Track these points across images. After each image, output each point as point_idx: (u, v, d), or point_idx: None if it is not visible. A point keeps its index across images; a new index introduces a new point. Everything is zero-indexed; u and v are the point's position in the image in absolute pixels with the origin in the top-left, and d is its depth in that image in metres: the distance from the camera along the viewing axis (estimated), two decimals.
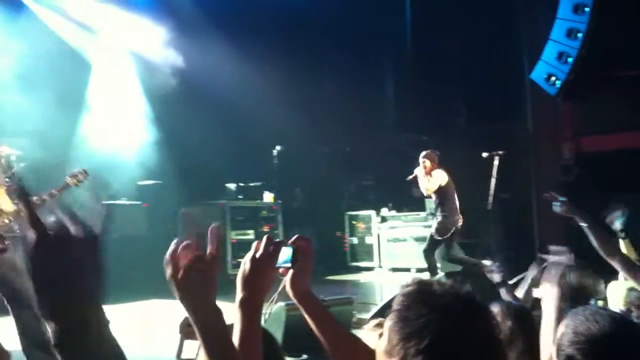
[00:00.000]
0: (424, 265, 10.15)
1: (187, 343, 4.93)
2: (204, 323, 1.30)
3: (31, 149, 7.49)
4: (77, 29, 10.54)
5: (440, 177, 8.42)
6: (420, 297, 1.26)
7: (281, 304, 5.21)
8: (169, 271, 1.31)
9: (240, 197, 10.86)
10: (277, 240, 1.54)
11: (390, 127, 12.88)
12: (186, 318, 2.43)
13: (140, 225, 10.04)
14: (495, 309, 2.50)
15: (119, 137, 10.13)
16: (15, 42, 9.40)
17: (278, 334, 4.88)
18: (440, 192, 8.46)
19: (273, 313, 5.25)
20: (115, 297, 7.71)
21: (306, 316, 1.72)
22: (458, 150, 10.02)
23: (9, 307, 4.66)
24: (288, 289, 1.71)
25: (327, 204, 11.95)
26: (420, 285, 1.29)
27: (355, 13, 11.54)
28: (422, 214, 11.35)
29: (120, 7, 10.79)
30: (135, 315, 7.44)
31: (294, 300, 1.72)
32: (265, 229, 10.33)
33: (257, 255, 1.48)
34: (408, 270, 10.70)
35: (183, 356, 5.05)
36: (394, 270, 11.13)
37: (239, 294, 1.45)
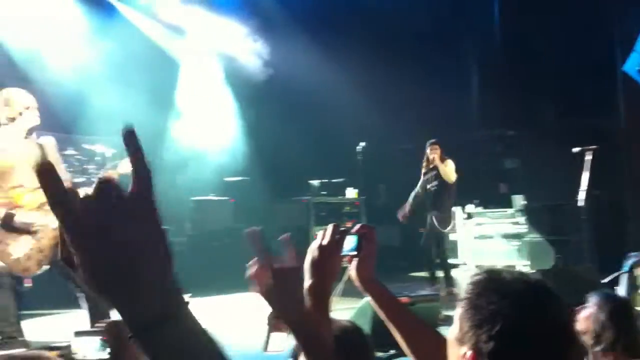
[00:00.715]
0: (512, 262, 9.95)
1: (274, 335, 5.01)
2: (299, 327, 1.39)
3: (122, 147, 7.81)
4: (166, 30, 10.89)
5: (453, 167, 8.61)
6: (490, 285, 1.27)
7: (367, 298, 5.24)
8: (254, 289, 1.39)
9: (324, 193, 10.95)
10: (342, 228, 1.57)
11: (475, 122, 12.68)
12: (272, 311, 2.49)
13: (228, 219, 10.30)
14: (592, 299, 2.45)
15: (206, 134, 10.40)
16: (108, 44, 9.83)
17: (365, 329, 4.92)
18: (453, 183, 8.61)
19: (360, 308, 5.26)
20: (204, 290, 7.96)
21: (373, 304, 1.76)
22: (546, 145, 9.75)
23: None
24: (354, 276, 1.75)
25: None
26: (490, 273, 1.30)
27: (439, 7, 11.40)
28: (510, 211, 11.11)
29: (207, 9, 11.09)
30: (223, 308, 7.63)
31: (360, 288, 1.76)
32: (348, 224, 10.32)
33: (324, 243, 1.52)
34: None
35: (270, 348, 5.14)
36: (480, 267, 10.93)
37: (308, 281, 1.49)
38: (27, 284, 4.82)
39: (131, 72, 9.75)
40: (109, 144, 9.95)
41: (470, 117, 12.75)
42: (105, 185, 0.76)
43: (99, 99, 9.46)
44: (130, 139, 0.78)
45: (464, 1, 11.83)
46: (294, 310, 1.39)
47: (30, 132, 4.54)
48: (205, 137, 10.33)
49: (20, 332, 4.54)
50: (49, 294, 6.14)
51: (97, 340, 1.84)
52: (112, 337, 1.65)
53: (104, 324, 1.67)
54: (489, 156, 12.58)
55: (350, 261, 1.71)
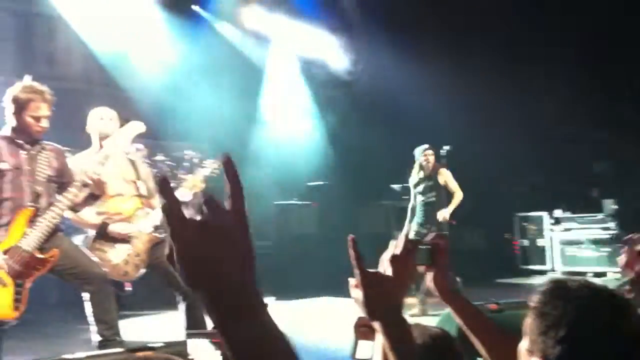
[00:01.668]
0: (603, 269, 9.59)
1: (362, 343, 5.00)
2: (393, 333, 1.43)
3: (211, 153, 8.00)
4: (251, 37, 11.09)
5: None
6: (555, 292, 1.29)
7: None
8: (354, 295, 1.45)
9: (405, 197, 10.86)
10: (415, 239, 1.58)
11: (561, 124, 12.30)
12: (360, 318, 2.49)
13: (311, 224, 10.37)
14: None
15: (290, 139, 10.51)
16: (195, 52, 10.09)
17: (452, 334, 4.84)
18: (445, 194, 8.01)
19: (445, 314, 5.20)
20: (288, 294, 8.04)
21: (454, 314, 1.76)
22: (630, 144, 9.38)
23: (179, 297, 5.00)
24: (432, 288, 1.76)
25: (496, 205, 11.62)
26: (555, 282, 1.32)
27: (519, 10, 11.13)
28: (599, 216, 10.74)
29: (291, 15, 11.23)
30: (308, 313, 7.68)
31: (440, 299, 1.77)
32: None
33: (396, 253, 1.51)
34: (584, 274, 10.16)
35: (358, 355, 5.14)
36: (569, 274, 10.61)
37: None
38: (128, 287, 5.00)
39: (217, 79, 9.98)
40: (197, 149, 10.24)
41: (556, 119, 12.38)
42: (209, 203, 0.93)
43: (186, 105, 9.72)
44: (228, 165, 0.94)
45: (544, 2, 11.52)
46: (389, 316, 1.42)
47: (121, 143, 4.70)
48: (289, 142, 10.45)
49: (118, 334, 4.70)
50: (144, 296, 6.37)
51: (208, 342, 1.88)
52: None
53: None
54: (576, 159, 12.21)
55: (426, 271, 1.72)
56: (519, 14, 10.89)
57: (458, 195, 7.96)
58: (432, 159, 7.93)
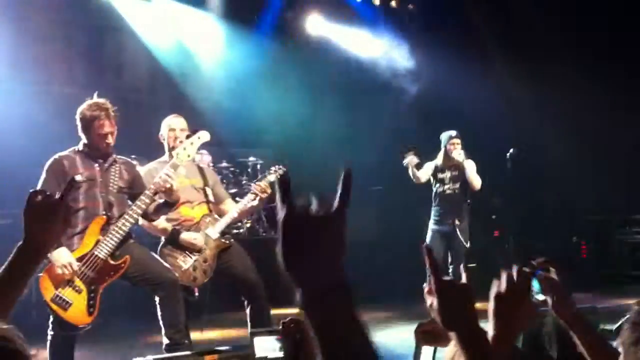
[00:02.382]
0: None
1: (425, 349, 4.95)
2: (467, 344, 1.39)
3: (274, 159, 8.10)
4: (313, 44, 11.20)
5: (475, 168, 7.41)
6: None
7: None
8: (428, 303, 1.44)
9: (468, 202, 10.76)
10: (526, 270, 1.48)
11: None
12: (421, 324, 2.50)
13: (372, 230, 10.37)
14: None
15: (350, 145, 10.52)
16: (259, 61, 10.24)
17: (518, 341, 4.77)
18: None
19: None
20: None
21: (575, 339, 1.71)
22: None
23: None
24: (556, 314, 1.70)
25: (563, 208, 11.37)
26: None
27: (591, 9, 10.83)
28: None
29: (352, 23, 11.33)
30: (368, 317, 7.65)
31: (564, 326, 1.71)
32: (496, 234, 10.15)
33: (508, 288, 1.44)
34: None
35: None
36: None
37: (492, 330, 1.45)
38: (196, 293, 5.14)
39: (279, 86, 10.11)
40: (260, 156, 10.40)
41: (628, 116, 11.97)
42: (323, 202, 1.04)
43: (250, 112, 9.88)
44: (348, 179, 1.06)
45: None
46: (464, 326, 1.40)
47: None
48: (349, 148, 10.47)
49: (187, 337, 4.84)
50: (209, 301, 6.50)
51: (273, 339, 1.93)
52: (288, 336, 1.71)
53: (282, 324, 1.73)
54: None
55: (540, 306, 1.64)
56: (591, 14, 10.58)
57: (476, 188, 7.41)
58: (459, 147, 7.36)
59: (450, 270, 7.10)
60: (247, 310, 5.07)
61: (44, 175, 4.50)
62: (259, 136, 9.43)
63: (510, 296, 1.44)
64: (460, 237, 7.22)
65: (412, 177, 7.34)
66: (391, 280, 8.51)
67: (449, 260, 7.26)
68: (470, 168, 7.33)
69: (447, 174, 7.46)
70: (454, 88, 10.37)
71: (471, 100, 10.50)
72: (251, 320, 5.05)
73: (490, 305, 1.46)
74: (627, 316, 1.33)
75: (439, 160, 7.52)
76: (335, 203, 1.04)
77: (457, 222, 7.25)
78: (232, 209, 5.16)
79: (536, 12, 10.49)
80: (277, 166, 5.38)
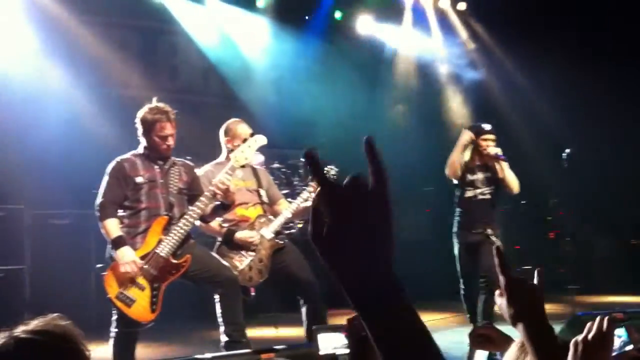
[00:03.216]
0: None
1: (478, 353, 4.89)
2: (534, 339, 1.41)
3: (324, 158, 8.14)
4: (365, 44, 11.21)
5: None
6: None
7: (578, 313, 5.01)
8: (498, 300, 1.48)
9: (523, 202, 10.64)
10: (611, 316, 1.45)
11: None
12: (476, 327, 2.50)
13: (424, 230, 10.34)
14: None
15: (405, 146, 10.50)
16: (307, 61, 10.30)
17: None
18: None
19: (569, 322, 5.08)
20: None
21: None
22: None
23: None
24: None
25: (623, 209, 11.10)
26: None
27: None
28: None
29: (398, 23, 11.32)
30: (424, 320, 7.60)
31: None
32: (551, 235, 10.02)
33: (591, 337, 1.42)
34: None
35: None
36: None
37: None
38: (252, 293, 5.20)
39: (331, 86, 10.14)
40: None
41: None
42: (357, 180, 0.90)
43: (301, 113, 9.93)
44: (370, 147, 0.91)
45: None
46: (531, 320, 1.42)
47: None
48: (403, 148, 10.44)
49: (245, 336, 4.91)
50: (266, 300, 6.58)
51: (338, 335, 1.95)
52: (353, 333, 1.72)
53: (347, 321, 1.74)
54: None
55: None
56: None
57: (515, 191, 6.27)
58: (492, 144, 6.19)
59: (482, 281, 6.02)
60: (303, 310, 5.12)
61: (106, 178, 4.64)
62: (311, 137, 9.46)
63: (594, 344, 1.41)
64: (492, 239, 6.02)
65: None
66: (446, 281, 8.45)
67: (480, 269, 6.08)
68: (506, 168, 6.18)
69: (479, 176, 6.28)
70: (508, 86, 10.29)
71: (524, 99, 10.39)
72: (307, 319, 5.09)
73: (571, 350, 1.43)
74: None
75: (465, 157, 6.28)
76: (371, 179, 0.90)
77: (489, 230, 6.08)
78: (286, 209, 5.21)
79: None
80: (328, 167, 5.41)
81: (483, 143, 6.19)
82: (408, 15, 11.27)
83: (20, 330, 1.40)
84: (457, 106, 11.18)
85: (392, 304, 0.89)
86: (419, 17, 11.30)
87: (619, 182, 10.53)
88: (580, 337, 1.43)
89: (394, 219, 0.90)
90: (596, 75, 9.70)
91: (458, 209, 6.34)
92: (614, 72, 9.74)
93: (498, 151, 6.16)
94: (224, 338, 4.78)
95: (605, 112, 10.12)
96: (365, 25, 11.10)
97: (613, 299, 8.60)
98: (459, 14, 11.39)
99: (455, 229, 6.29)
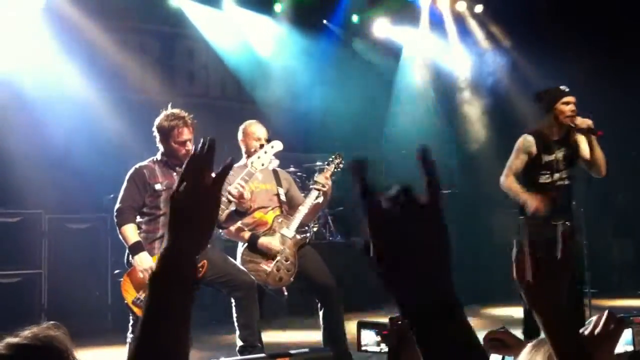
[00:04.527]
0: None
1: (492, 357, 4.82)
2: (553, 329, 1.34)
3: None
4: (381, 48, 11.20)
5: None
6: None
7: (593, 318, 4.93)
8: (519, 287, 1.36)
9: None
10: (619, 316, 1.41)
11: None
12: (490, 331, 2.49)
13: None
14: None
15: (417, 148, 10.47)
16: (322, 64, 10.30)
17: None
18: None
19: None
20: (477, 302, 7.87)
21: None
22: None
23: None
24: None
25: None
26: None
27: None
28: None
29: (422, 27, 11.31)
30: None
31: None
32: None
33: (597, 332, 1.40)
34: None
35: None
36: None
37: None
38: (285, 292, 5.18)
39: (347, 90, 10.14)
40: (326, 160, 10.43)
41: None
42: (409, 195, 0.89)
43: (317, 117, 9.95)
44: (425, 157, 0.90)
45: None
46: (552, 307, 1.35)
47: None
48: (415, 151, 10.43)
49: (260, 340, 4.92)
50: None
51: (379, 334, 1.98)
52: (393, 332, 1.71)
53: (390, 320, 1.74)
54: None
55: None
56: None
57: (603, 174, 5.10)
58: (575, 111, 4.90)
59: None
60: (320, 314, 5.11)
61: (125, 184, 4.69)
62: (326, 140, 9.45)
63: (599, 338, 1.39)
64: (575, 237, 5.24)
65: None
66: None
67: None
68: (597, 144, 4.97)
69: (558, 155, 5.03)
70: (525, 88, 10.17)
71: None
72: (324, 323, 5.09)
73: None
74: None
75: (545, 135, 5.05)
76: (426, 193, 0.88)
77: (566, 224, 4.94)
78: (302, 206, 5.18)
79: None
80: (332, 156, 5.36)
81: (566, 108, 4.95)
82: (425, 18, 11.25)
83: (10, 337, 1.41)
84: (474, 109, 11.12)
85: (448, 321, 0.86)
86: (436, 20, 11.28)
87: (636, 184, 10.42)
88: (585, 331, 1.39)
89: (448, 233, 0.89)
90: (616, 76, 9.61)
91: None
92: (635, 73, 9.64)
93: (589, 123, 4.90)
94: (239, 342, 4.80)
95: (624, 113, 10.01)
96: (382, 28, 11.10)
97: (630, 302, 8.52)
98: (476, 16, 11.36)
99: (526, 219, 5.02)
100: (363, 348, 2.08)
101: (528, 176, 5.10)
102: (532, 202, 4.88)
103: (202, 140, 1.24)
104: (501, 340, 2.38)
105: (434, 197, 0.88)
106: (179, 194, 1.22)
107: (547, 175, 5.01)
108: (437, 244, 0.88)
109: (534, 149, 5.01)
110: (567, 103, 4.93)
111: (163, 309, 1.16)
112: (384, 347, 1.99)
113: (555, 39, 9.97)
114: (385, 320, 1.76)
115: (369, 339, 2.07)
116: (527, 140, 5.04)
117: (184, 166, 1.25)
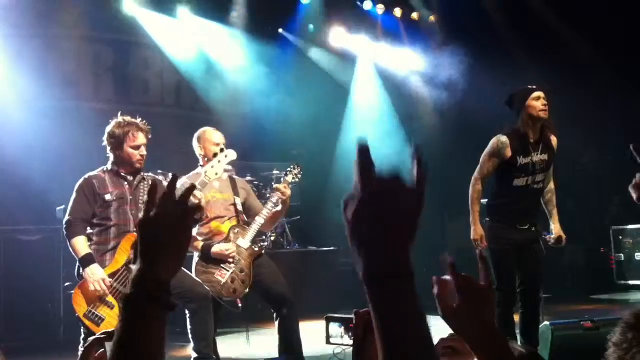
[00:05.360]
0: None
1: None
2: (482, 350, 1.35)
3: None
4: (336, 58, 11.28)
5: None
6: (631, 324, 1.32)
7: (546, 323, 5.03)
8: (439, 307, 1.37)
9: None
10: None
11: None
12: (442, 339, 2.51)
13: None
14: None
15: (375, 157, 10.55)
16: (282, 74, 10.33)
17: (544, 354, 4.75)
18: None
19: (540, 333, 5.09)
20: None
21: None
22: None
23: None
24: None
25: (592, 218, 11.27)
26: (635, 315, 1.34)
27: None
28: None
29: (375, 35, 11.41)
30: None
31: None
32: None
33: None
34: None
35: None
36: None
37: None
38: (239, 304, 5.15)
39: (303, 99, 10.17)
40: (283, 169, 10.46)
41: None
42: (395, 178, 1.00)
43: (273, 125, 9.95)
44: (419, 154, 1.02)
45: None
46: (479, 332, 1.35)
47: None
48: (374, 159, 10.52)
49: (215, 351, 4.89)
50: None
51: (344, 326, 2.04)
52: (358, 323, 1.75)
53: (355, 313, 1.78)
54: None
55: None
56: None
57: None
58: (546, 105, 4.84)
59: (520, 290, 4.97)
60: (276, 323, 5.10)
61: (74, 195, 4.60)
62: (283, 150, 9.47)
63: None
64: (540, 243, 5.04)
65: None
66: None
67: (523, 277, 5.00)
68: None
69: (535, 157, 4.94)
70: (481, 95, 10.35)
71: (497, 109, 10.47)
72: (280, 332, 5.08)
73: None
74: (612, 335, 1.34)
75: (521, 135, 4.93)
76: (414, 179, 1.00)
77: (535, 229, 5.00)
78: (259, 216, 5.16)
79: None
80: (292, 166, 5.36)
81: (536, 103, 4.86)
82: (379, 27, 11.37)
83: None
84: (430, 115, 11.27)
85: (403, 283, 0.97)
86: (391, 28, 11.40)
87: (587, 190, 10.68)
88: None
89: (421, 217, 1.00)
90: (580, 77, 9.81)
91: (501, 200, 5.04)
92: (607, 70, 9.85)
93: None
94: (193, 355, 4.76)
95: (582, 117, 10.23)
96: (338, 37, 11.17)
97: (582, 307, 8.69)
98: (429, 24, 11.52)
99: (492, 222, 5.04)
100: (331, 340, 2.13)
101: (503, 178, 5.01)
102: (475, 231, 4.94)
103: (170, 176, 1.29)
104: (452, 347, 2.40)
105: (421, 184, 1.00)
106: (149, 221, 1.24)
107: (522, 178, 4.92)
108: (410, 223, 0.99)
109: (508, 151, 4.88)
110: (538, 98, 4.86)
111: (138, 334, 1.20)
112: (350, 339, 2.06)
113: (507, 42, 10.16)
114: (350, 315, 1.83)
115: (336, 331, 2.13)
116: (501, 142, 4.92)
117: (147, 193, 1.29)
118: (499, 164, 4.92)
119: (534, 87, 4.95)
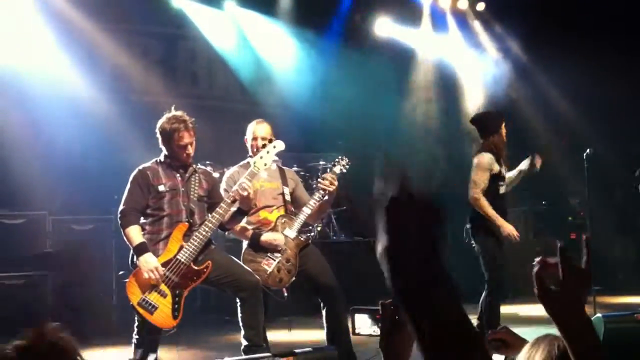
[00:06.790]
0: None
1: (495, 357, 4.84)
2: (574, 335, 1.34)
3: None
4: (384, 49, 11.21)
5: None
6: None
7: (599, 315, 4.94)
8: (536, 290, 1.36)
9: (543, 202, 10.58)
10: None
11: None
12: (492, 331, 2.49)
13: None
14: None
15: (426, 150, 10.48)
16: (329, 66, 10.31)
17: None
18: None
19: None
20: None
21: None
22: None
23: None
24: None
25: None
26: None
27: None
28: None
29: (416, 25, 11.33)
30: None
31: None
32: (572, 236, 9.92)
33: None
34: None
35: None
36: None
37: None
38: (285, 293, 5.20)
39: (348, 90, 10.14)
40: (330, 160, 10.47)
41: None
42: (422, 194, 1.00)
43: (320, 117, 9.95)
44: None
45: None
46: (575, 317, 1.34)
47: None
48: (423, 152, 10.44)
49: (265, 339, 4.94)
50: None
51: (372, 318, 2.05)
52: (386, 317, 1.76)
53: (381, 304, 1.79)
54: None
55: None
56: None
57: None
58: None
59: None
60: (323, 313, 5.13)
61: (129, 185, 4.71)
62: (330, 141, 9.47)
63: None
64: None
65: None
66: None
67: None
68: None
69: (503, 169, 6.02)
70: (528, 86, 10.22)
71: (545, 99, 10.33)
72: (326, 322, 5.10)
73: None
74: None
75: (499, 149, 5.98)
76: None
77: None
78: (305, 207, 5.19)
79: None
80: (339, 157, 5.36)
81: (504, 130, 6.00)
82: (426, 16, 11.27)
83: (17, 340, 1.43)
84: (476, 106, 11.15)
85: (440, 290, 0.96)
86: (438, 18, 11.30)
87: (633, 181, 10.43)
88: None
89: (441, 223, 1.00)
90: (617, 74, 9.61)
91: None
92: (637, 70, 9.64)
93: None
94: (244, 342, 4.82)
95: (626, 110, 10.03)
96: (384, 27, 11.11)
97: (634, 299, 8.52)
98: (478, 14, 11.37)
99: (484, 222, 5.81)
100: (357, 331, 2.15)
101: (491, 188, 5.83)
102: (505, 228, 5.75)
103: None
104: (502, 340, 2.39)
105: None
106: None
107: (503, 187, 5.93)
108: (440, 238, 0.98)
109: (495, 165, 5.83)
110: (505, 124, 5.98)
111: None
112: (377, 330, 2.06)
113: (556, 34, 9.96)
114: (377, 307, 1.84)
115: (362, 322, 2.14)
116: (490, 158, 5.83)
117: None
118: (488, 177, 5.79)
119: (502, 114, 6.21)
